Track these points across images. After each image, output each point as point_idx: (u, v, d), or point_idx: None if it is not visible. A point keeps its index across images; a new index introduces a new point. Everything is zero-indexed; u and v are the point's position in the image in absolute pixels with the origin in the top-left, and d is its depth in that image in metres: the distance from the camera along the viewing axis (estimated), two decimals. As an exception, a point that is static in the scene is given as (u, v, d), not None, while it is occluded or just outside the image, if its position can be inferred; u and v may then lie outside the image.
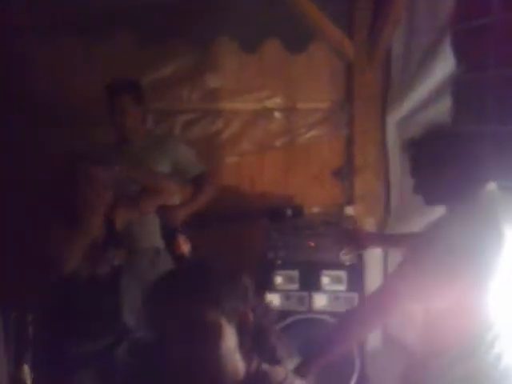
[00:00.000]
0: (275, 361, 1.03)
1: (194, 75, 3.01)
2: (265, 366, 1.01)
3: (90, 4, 2.79)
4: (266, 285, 2.61)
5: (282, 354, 1.05)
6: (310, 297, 2.61)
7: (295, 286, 2.63)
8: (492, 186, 1.69)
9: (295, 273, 2.64)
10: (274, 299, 2.61)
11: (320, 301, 2.62)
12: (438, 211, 2.83)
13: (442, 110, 3.02)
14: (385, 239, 2.51)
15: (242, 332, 1.00)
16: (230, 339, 0.98)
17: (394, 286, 1.61)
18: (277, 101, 3.15)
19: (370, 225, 3.17)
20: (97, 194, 1.84)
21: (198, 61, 2.99)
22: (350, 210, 3.08)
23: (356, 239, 2.21)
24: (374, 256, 3.05)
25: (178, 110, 3.01)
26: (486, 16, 2.73)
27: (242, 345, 0.99)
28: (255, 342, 1.02)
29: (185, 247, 2.25)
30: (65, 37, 2.87)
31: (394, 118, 3.21)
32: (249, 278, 1.07)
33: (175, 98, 3.00)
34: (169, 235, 2.28)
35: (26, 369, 1.34)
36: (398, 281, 1.62)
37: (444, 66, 2.96)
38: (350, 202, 3.16)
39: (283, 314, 2.59)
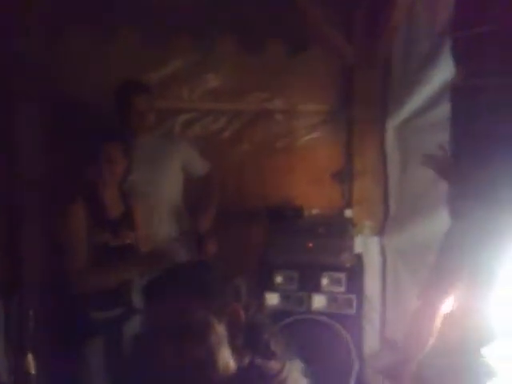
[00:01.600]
0: (269, 356, 1.04)
1: (195, 74, 3.00)
2: (258, 361, 1.02)
3: (93, 2, 2.80)
4: (266, 284, 2.61)
5: (276, 349, 1.06)
6: (309, 297, 2.61)
7: (294, 287, 2.63)
8: None
9: (295, 273, 2.63)
10: (273, 299, 2.61)
11: (319, 302, 2.62)
12: (436, 217, 2.88)
13: (441, 115, 3.06)
14: None
15: (232, 329, 1.01)
16: (219, 336, 0.99)
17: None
18: (277, 102, 3.16)
19: (368, 228, 3.18)
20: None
21: (199, 60, 2.99)
22: (349, 213, 3.08)
23: None
24: (372, 258, 3.06)
25: (179, 108, 3.01)
26: (485, 24, 2.78)
27: (233, 341, 1.00)
28: (248, 338, 1.03)
29: (213, 249, 2.33)
30: (67, 35, 2.87)
31: (393, 123, 3.24)
32: (241, 277, 1.09)
33: (176, 96, 2.99)
34: (199, 240, 2.36)
35: (30, 357, 1.33)
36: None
37: (443, 72, 3.00)
38: (349, 205, 3.16)
39: (282, 313, 2.58)
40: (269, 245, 2.70)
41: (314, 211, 3.08)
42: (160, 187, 2.50)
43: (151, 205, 2.41)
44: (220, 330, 0.99)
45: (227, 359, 0.99)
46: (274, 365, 1.03)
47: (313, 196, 3.15)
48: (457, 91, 2.99)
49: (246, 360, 1.02)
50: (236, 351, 1.01)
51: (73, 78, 2.85)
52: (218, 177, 2.64)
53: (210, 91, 3.06)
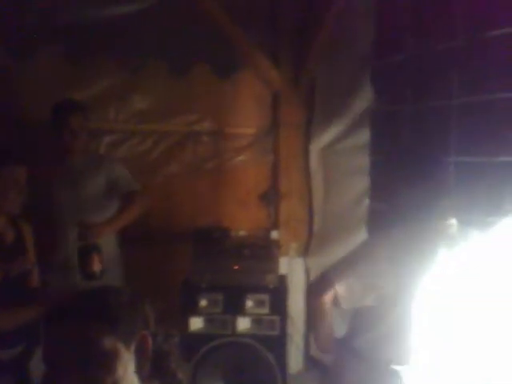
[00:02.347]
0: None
1: (122, 96, 2.99)
2: None
3: (16, 19, 2.73)
4: (190, 308, 2.60)
5: (182, 378, 1.07)
6: (234, 320, 2.62)
7: (219, 310, 2.63)
8: (451, 221, 1.75)
9: (219, 296, 2.64)
10: (197, 323, 2.60)
11: (243, 324, 2.63)
12: (358, 236, 2.99)
13: (361, 140, 3.19)
14: None
15: (140, 357, 1.00)
16: (127, 364, 0.98)
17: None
18: (205, 124, 3.19)
19: (293, 250, 3.25)
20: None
21: (125, 81, 2.98)
22: (275, 235, 3.15)
23: None
24: (297, 279, 3.13)
25: (105, 129, 2.97)
26: (401, 52, 2.94)
27: (140, 369, 1.00)
28: (156, 367, 1.03)
29: (97, 266, 2.19)
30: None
31: (316, 146, 3.35)
32: (149, 305, 1.09)
33: (101, 117, 2.95)
34: (84, 251, 2.15)
35: None
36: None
37: (363, 97, 3.14)
38: (275, 226, 3.23)
39: (207, 337, 2.58)
40: (194, 267, 2.69)
41: (241, 232, 3.12)
42: (82, 204, 2.51)
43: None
44: (128, 358, 0.98)
45: None
46: None
47: (240, 217, 3.19)
48: (376, 117, 3.14)
49: None
50: (143, 379, 1.01)
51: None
52: (140, 201, 2.56)
53: (137, 112, 3.04)
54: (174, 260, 2.94)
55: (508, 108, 2.39)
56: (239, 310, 2.62)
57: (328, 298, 1.68)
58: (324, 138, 3.30)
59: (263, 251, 2.77)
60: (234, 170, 3.23)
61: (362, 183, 3.21)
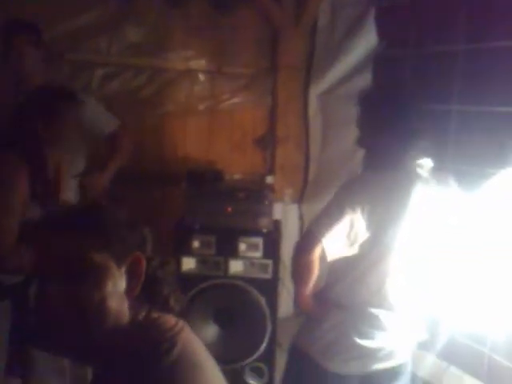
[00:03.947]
0: (167, 310, 1.02)
1: (115, 26, 2.82)
2: (155, 314, 1.00)
3: None
4: (183, 248, 2.56)
5: (174, 306, 1.04)
6: (226, 262, 2.59)
7: (212, 251, 2.60)
8: (427, 162, 1.77)
9: (212, 238, 2.60)
10: (190, 263, 2.57)
11: (236, 266, 2.61)
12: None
13: (362, 84, 3.09)
14: None
15: (132, 277, 0.97)
16: (116, 283, 0.95)
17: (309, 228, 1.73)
18: (201, 62, 3.06)
19: (288, 195, 3.20)
20: None
21: (119, 11, 2.81)
22: (270, 180, 3.09)
23: None
24: (291, 225, 3.10)
25: (96, 62, 2.82)
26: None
27: (131, 290, 0.97)
28: (148, 291, 1.00)
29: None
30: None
31: (315, 91, 3.25)
32: (149, 229, 1.05)
33: (93, 49, 2.80)
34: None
35: None
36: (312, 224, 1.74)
37: (366, 40, 3.03)
38: (270, 171, 3.17)
39: (199, 278, 2.56)
40: (187, 208, 2.64)
41: (236, 176, 3.05)
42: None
43: None
44: (118, 276, 0.96)
45: (121, 309, 0.96)
46: (170, 318, 1.01)
47: (235, 161, 3.12)
48: (379, 61, 3.04)
49: (143, 313, 0.99)
50: (133, 302, 0.98)
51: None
52: (127, 135, 2.44)
53: (131, 45, 2.89)
54: (167, 201, 2.88)
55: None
56: (232, 252, 2.59)
57: (316, 254, 1.68)
58: (324, 82, 3.19)
59: (258, 195, 2.71)
60: (231, 112, 3.13)
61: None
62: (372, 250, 1.71)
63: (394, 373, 1.83)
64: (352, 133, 3.11)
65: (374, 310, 1.76)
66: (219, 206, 2.65)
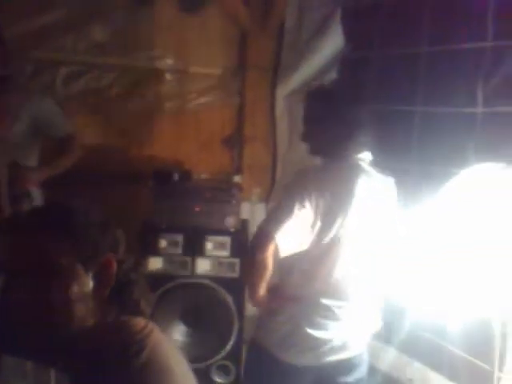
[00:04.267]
0: (137, 313, 1.01)
1: (80, 25, 2.79)
2: (124, 317, 0.99)
3: None
4: (150, 248, 2.55)
5: (145, 309, 1.03)
6: (194, 261, 2.59)
7: (179, 251, 2.60)
8: (366, 155, 1.83)
9: (179, 237, 2.60)
10: (157, 263, 2.56)
11: (203, 266, 2.61)
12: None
13: (329, 85, 3.13)
14: None
15: (101, 280, 0.96)
16: (83, 285, 0.94)
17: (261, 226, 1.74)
18: (168, 62, 3.04)
19: (256, 195, 3.22)
20: None
21: (85, 9, 2.78)
22: (237, 179, 3.10)
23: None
24: (257, 223, 3.11)
25: (61, 61, 2.78)
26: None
27: (99, 293, 0.96)
28: (118, 293, 0.99)
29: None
30: None
31: (282, 91, 3.27)
32: (121, 230, 1.04)
33: (58, 47, 2.76)
34: (14, 200, 2.01)
35: None
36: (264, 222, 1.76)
37: (333, 42, 3.06)
38: (238, 171, 3.18)
39: (166, 277, 2.55)
40: (154, 208, 2.63)
41: (203, 176, 3.05)
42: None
43: None
44: (85, 279, 0.94)
45: (87, 311, 0.94)
46: (140, 320, 0.99)
47: (202, 160, 3.12)
48: (344, 63, 3.08)
49: (112, 315, 0.98)
50: (101, 304, 0.97)
51: None
52: (76, 145, 2.42)
53: (96, 44, 2.86)
54: (133, 201, 2.85)
55: (475, 58, 2.38)
56: (199, 251, 2.60)
57: (270, 252, 1.69)
58: (291, 83, 3.22)
59: (225, 194, 2.73)
60: (198, 112, 3.12)
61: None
62: (322, 241, 1.74)
63: (350, 364, 1.87)
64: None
65: (326, 301, 1.79)
66: (186, 206, 2.65)
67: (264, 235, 1.69)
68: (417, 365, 2.50)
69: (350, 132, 1.79)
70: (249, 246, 1.79)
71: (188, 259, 2.59)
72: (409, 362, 2.44)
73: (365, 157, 1.84)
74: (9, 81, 2.23)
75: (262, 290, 1.79)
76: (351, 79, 3.05)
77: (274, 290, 1.85)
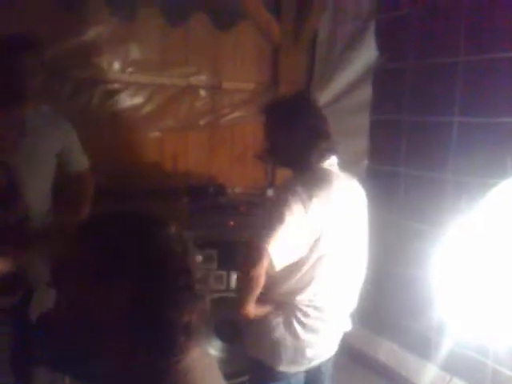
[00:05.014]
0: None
1: (116, 44, 2.85)
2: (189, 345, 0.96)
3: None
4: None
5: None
6: (229, 276, 2.59)
7: (214, 265, 2.60)
8: (333, 160, 1.81)
9: (214, 252, 2.60)
10: (192, 277, 2.56)
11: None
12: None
13: (363, 98, 3.11)
14: None
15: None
16: None
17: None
18: (202, 78, 3.09)
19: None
20: None
21: (121, 30, 2.84)
22: (271, 192, 3.09)
23: None
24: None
25: (98, 79, 2.84)
26: (409, 7, 2.84)
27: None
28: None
29: None
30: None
31: (316, 104, 3.27)
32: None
33: (95, 66, 2.83)
34: None
35: None
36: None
37: (367, 54, 3.05)
38: (271, 184, 3.17)
39: (201, 292, 2.55)
40: (189, 223, 2.65)
41: (237, 190, 3.06)
42: (33, 164, 2.10)
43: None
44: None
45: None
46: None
47: (236, 175, 3.13)
48: (379, 74, 3.06)
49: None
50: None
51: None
52: (92, 179, 2.36)
53: (132, 62, 2.91)
54: (168, 216, 2.87)
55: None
56: (234, 265, 2.59)
57: (265, 265, 1.64)
58: (324, 95, 3.22)
59: (259, 208, 2.72)
60: (232, 126, 3.15)
61: (361, 144, 3.15)
62: (311, 249, 1.71)
63: (330, 362, 1.92)
64: (354, 143, 3.16)
65: (318, 305, 1.77)
66: (221, 220, 2.66)
67: (257, 250, 1.64)
68: (458, 382, 2.42)
69: (313, 138, 1.76)
70: (241, 260, 1.75)
71: (223, 273, 2.59)
72: (450, 381, 2.37)
73: (333, 161, 1.82)
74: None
75: (252, 303, 1.75)
76: (386, 90, 3.02)
77: (260, 299, 1.79)
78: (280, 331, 1.77)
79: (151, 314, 0.88)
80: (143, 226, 0.94)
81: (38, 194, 2.09)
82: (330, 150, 1.79)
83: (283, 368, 1.79)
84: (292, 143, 1.77)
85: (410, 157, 2.92)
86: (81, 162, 2.32)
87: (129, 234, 0.91)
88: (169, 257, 0.91)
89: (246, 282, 1.70)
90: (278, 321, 1.79)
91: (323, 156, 1.77)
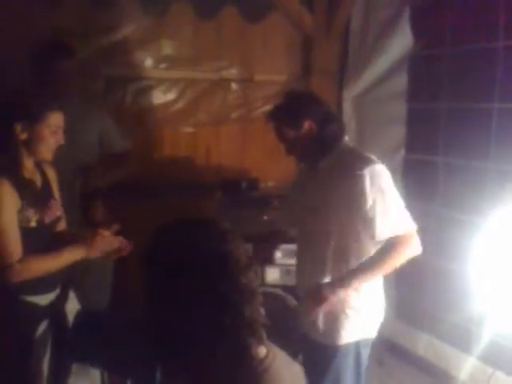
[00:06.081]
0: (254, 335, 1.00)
1: (148, 41, 2.87)
2: (245, 343, 0.98)
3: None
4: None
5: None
6: (263, 270, 2.59)
7: (249, 260, 2.60)
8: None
9: (248, 246, 2.60)
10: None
11: (272, 274, 2.61)
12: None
13: (398, 86, 3.03)
14: None
15: None
16: None
17: None
18: (234, 71, 3.08)
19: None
20: None
21: (152, 26, 2.86)
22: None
23: None
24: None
25: (131, 76, 2.87)
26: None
27: None
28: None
29: (100, 215, 2.20)
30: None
31: (350, 94, 3.22)
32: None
33: (127, 64, 2.85)
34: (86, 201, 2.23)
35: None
36: None
37: (401, 41, 2.97)
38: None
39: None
40: (222, 217, 2.66)
41: (270, 183, 3.05)
42: (76, 153, 2.29)
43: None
44: None
45: None
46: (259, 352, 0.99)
47: (269, 168, 3.11)
48: (415, 61, 2.97)
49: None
50: None
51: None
52: (129, 161, 2.57)
53: (164, 58, 2.93)
54: (202, 211, 2.90)
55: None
56: (268, 260, 2.59)
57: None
58: (358, 85, 3.16)
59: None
60: (264, 119, 3.12)
61: (398, 133, 3.08)
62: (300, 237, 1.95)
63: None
64: (391, 132, 3.09)
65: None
66: (254, 214, 2.66)
67: (413, 237, 1.75)
68: (501, 375, 2.36)
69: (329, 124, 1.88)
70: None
71: (257, 268, 2.59)
72: (493, 374, 2.30)
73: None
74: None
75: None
76: (422, 78, 2.94)
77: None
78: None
79: (228, 315, 0.92)
80: (214, 233, 0.98)
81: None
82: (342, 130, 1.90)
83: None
84: (311, 135, 1.87)
85: (448, 145, 2.83)
86: (120, 143, 2.53)
87: (200, 240, 0.95)
88: (235, 257, 0.96)
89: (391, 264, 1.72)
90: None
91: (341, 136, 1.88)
